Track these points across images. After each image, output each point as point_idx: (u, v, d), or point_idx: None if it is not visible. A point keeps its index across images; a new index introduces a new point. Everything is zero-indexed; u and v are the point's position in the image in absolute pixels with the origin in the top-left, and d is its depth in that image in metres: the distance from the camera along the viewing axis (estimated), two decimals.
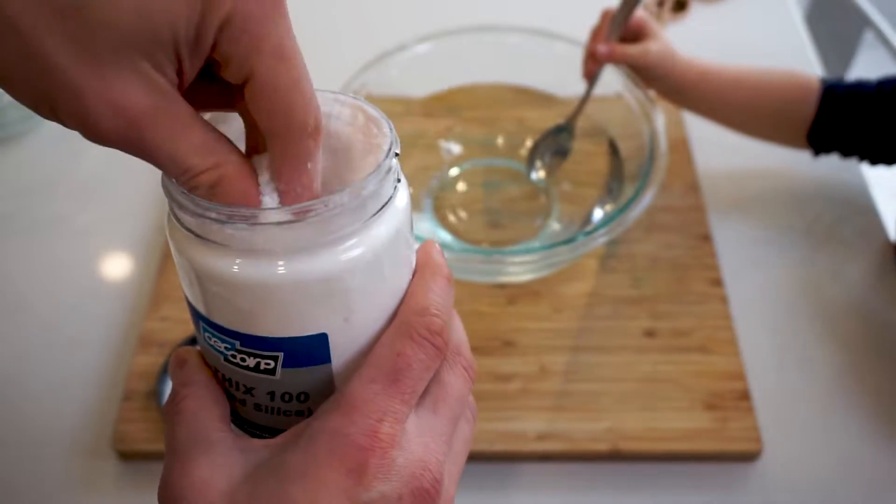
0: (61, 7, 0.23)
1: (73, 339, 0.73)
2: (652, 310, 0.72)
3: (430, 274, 0.32)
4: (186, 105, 0.26)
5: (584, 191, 0.79)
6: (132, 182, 0.87)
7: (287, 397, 0.31)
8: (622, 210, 0.66)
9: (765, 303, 0.74)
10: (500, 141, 0.84)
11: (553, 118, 0.79)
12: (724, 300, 0.73)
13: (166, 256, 0.77)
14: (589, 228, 0.69)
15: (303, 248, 0.28)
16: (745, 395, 0.66)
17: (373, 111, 0.31)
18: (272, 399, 0.31)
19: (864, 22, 1.21)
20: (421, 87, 0.83)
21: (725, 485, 0.63)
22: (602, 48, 0.73)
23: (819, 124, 0.75)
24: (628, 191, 0.71)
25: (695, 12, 1.07)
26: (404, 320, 0.30)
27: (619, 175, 0.76)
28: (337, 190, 0.27)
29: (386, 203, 0.29)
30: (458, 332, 0.33)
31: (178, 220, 0.28)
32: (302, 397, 0.31)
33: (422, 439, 0.29)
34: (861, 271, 0.76)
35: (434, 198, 0.79)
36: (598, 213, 0.74)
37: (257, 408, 0.32)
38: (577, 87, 0.77)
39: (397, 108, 0.82)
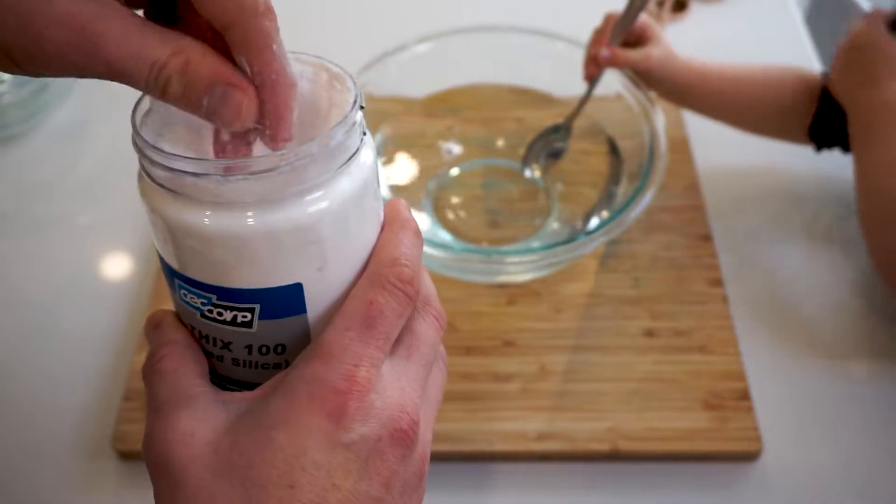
0: None
1: (73, 339, 0.73)
2: (652, 310, 0.72)
3: (399, 227, 0.33)
4: (131, 10, 0.26)
5: (584, 191, 0.79)
6: (132, 182, 0.86)
7: (264, 350, 0.32)
8: (622, 210, 0.66)
9: (765, 303, 0.74)
10: (499, 141, 0.84)
11: (553, 118, 0.79)
12: (723, 300, 0.73)
13: None
14: (589, 228, 0.69)
15: (272, 199, 0.28)
16: (745, 395, 0.66)
17: (335, 68, 0.32)
18: (249, 353, 0.32)
19: None
20: (421, 87, 0.83)
21: (725, 485, 0.63)
22: (605, 52, 0.73)
23: (820, 119, 0.76)
24: (628, 191, 0.71)
25: (695, 12, 1.07)
26: (375, 270, 0.31)
27: (618, 175, 0.76)
28: (305, 141, 0.28)
29: (352, 155, 0.30)
30: (427, 284, 0.34)
31: (149, 176, 0.29)
32: (279, 349, 0.32)
33: (398, 384, 0.30)
34: (861, 271, 0.76)
35: (434, 197, 0.79)
36: (597, 214, 0.74)
37: (235, 362, 0.32)
38: (576, 87, 0.77)
39: (397, 108, 0.82)
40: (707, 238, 0.78)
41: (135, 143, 0.29)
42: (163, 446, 0.30)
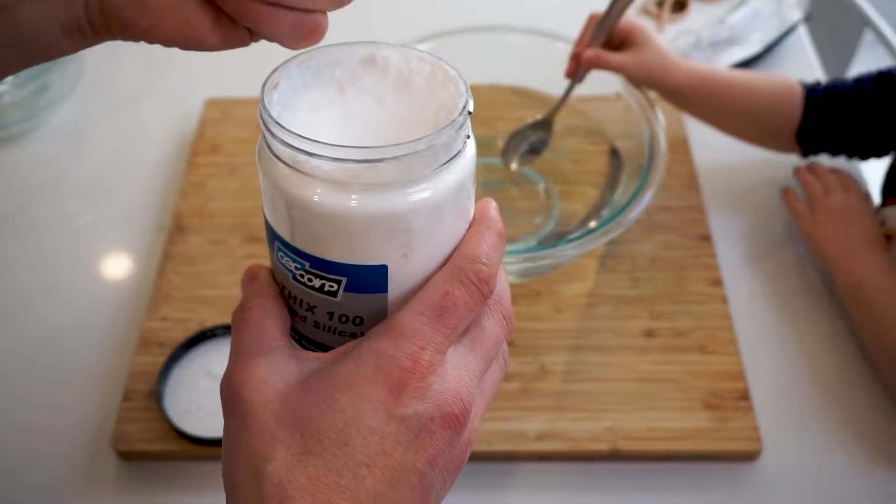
0: None
1: (73, 339, 0.73)
2: (652, 310, 0.72)
3: (485, 227, 0.35)
4: None
5: (584, 191, 0.79)
6: (132, 182, 0.87)
7: (344, 319, 0.34)
8: (622, 210, 0.66)
9: (765, 303, 0.74)
10: (499, 141, 0.84)
11: (553, 123, 0.79)
12: (723, 300, 0.73)
13: (166, 256, 0.77)
14: (589, 228, 0.69)
15: (377, 186, 0.31)
16: (744, 395, 0.66)
17: (451, 70, 0.34)
18: (330, 319, 0.35)
19: (864, 22, 1.21)
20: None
21: (725, 485, 0.63)
22: (589, 52, 0.74)
23: (806, 127, 0.77)
24: (628, 191, 0.71)
25: (694, 12, 1.07)
26: (456, 264, 0.34)
27: (618, 175, 0.76)
28: (414, 139, 0.30)
29: (455, 155, 0.32)
30: (502, 284, 0.36)
31: (269, 148, 0.31)
32: (357, 320, 0.34)
33: (457, 371, 0.32)
34: None
35: None
36: (597, 214, 0.74)
37: (316, 325, 0.35)
38: (576, 87, 0.77)
39: None
40: (707, 238, 0.78)
41: (261, 117, 0.31)
42: (239, 388, 0.33)
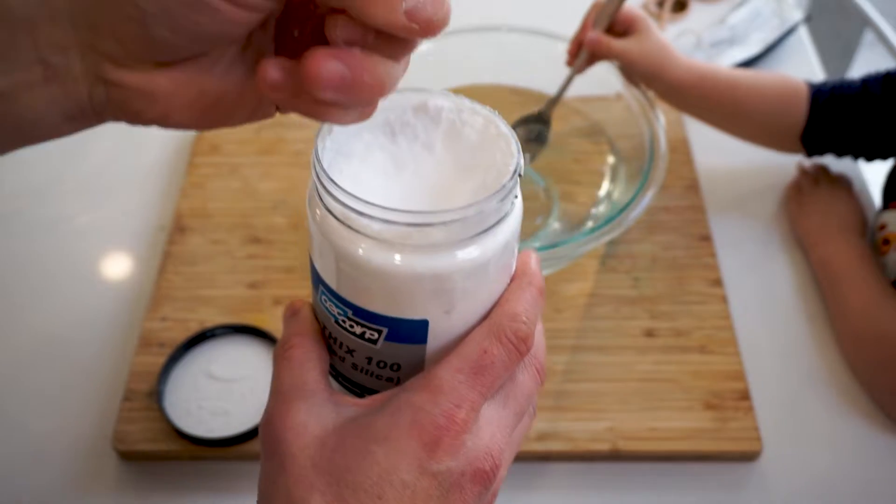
0: None
1: (74, 339, 0.73)
2: (652, 310, 0.72)
3: (527, 283, 0.35)
4: None
5: (584, 191, 0.79)
6: (132, 182, 0.87)
7: (382, 364, 0.35)
8: (622, 210, 0.66)
9: (765, 303, 0.74)
10: None
11: (552, 118, 0.79)
12: (723, 300, 0.73)
13: (166, 256, 0.77)
14: (589, 228, 0.69)
15: (424, 247, 0.31)
16: (745, 395, 0.66)
17: (504, 127, 0.33)
18: (368, 363, 0.35)
19: (864, 22, 1.21)
20: (421, 87, 0.83)
21: (725, 485, 0.63)
22: (591, 35, 0.73)
23: (811, 128, 0.76)
24: (628, 191, 0.71)
25: (695, 12, 1.07)
26: (496, 321, 0.34)
27: (618, 175, 0.76)
28: (464, 205, 0.30)
29: (501, 218, 0.32)
30: (539, 338, 0.36)
31: (320, 198, 0.32)
32: (394, 367, 0.35)
33: (489, 428, 0.33)
34: None
35: None
36: (597, 214, 0.74)
37: (354, 367, 0.36)
38: (576, 87, 0.77)
39: None
40: (707, 238, 0.78)
41: (314, 167, 0.31)
42: (279, 431, 0.33)
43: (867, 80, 0.75)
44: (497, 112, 0.33)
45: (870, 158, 0.78)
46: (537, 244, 0.74)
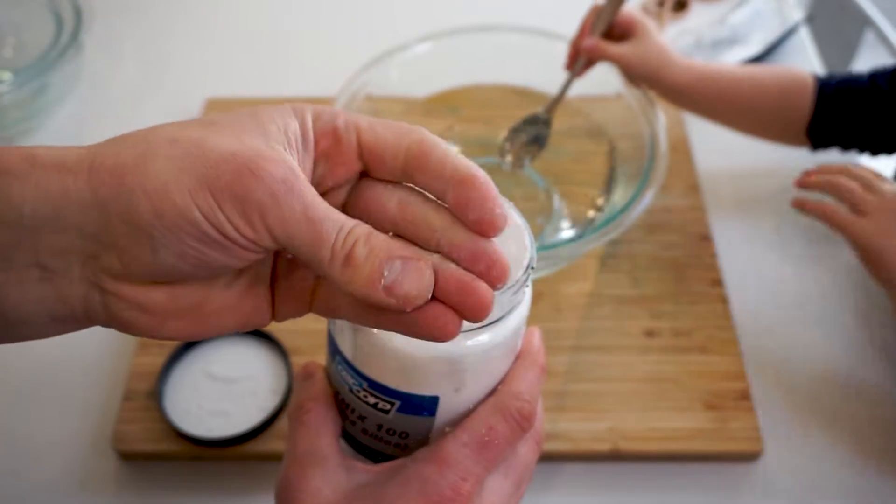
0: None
1: (73, 339, 0.72)
2: (652, 310, 0.72)
3: (531, 362, 0.38)
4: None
5: (584, 191, 0.79)
6: None
7: (391, 432, 0.37)
8: (622, 210, 0.66)
9: (765, 303, 0.74)
10: (499, 141, 0.84)
11: (552, 118, 0.79)
12: (724, 300, 0.73)
13: None
14: (589, 228, 0.69)
15: None
16: (745, 395, 0.66)
17: (518, 219, 0.35)
18: (378, 430, 0.38)
19: (865, 22, 1.21)
20: (421, 87, 0.83)
21: (725, 485, 0.63)
22: (587, 42, 0.74)
23: (817, 120, 0.76)
24: (628, 191, 0.71)
25: (695, 12, 1.07)
26: (501, 399, 0.36)
27: (618, 175, 0.76)
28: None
29: (512, 308, 0.35)
30: (539, 412, 0.38)
31: None
32: (403, 435, 0.37)
33: (491, 498, 0.35)
34: (860, 271, 0.76)
35: None
36: (597, 214, 0.74)
37: (364, 432, 0.38)
38: (576, 87, 0.77)
39: (397, 108, 0.82)
40: (707, 238, 0.78)
41: None
42: (294, 493, 0.35)
43: (875, 74, 0.75)
44: (513, 204, 0.35)
45: (875, 153, 0.78)
46: (537, 244, 0.74)
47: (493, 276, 0.29)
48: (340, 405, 0.38)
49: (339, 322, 0.35)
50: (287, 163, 0.27)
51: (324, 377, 0.39)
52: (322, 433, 0.37)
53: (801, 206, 0.71)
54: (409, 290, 0.28)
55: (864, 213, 0.66)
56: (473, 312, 0.29)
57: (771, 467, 0.64)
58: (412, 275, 0.28)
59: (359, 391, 0.37)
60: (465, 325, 0.31)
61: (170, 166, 0.26)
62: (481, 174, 0.30)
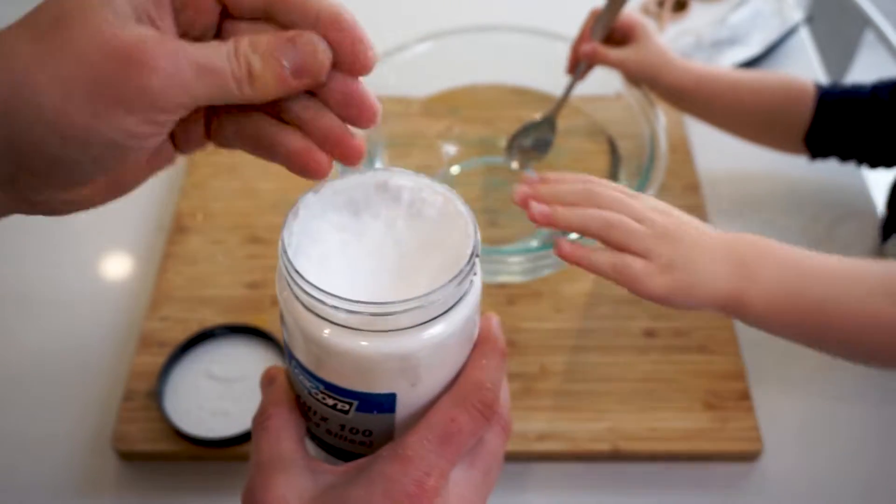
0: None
1: (73, 339, 0.73)
2: (652, 310, 0.72)
3: (489, 349, 0.37)
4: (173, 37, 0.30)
5: None
6: None
7: (354, 431, 0.37)
8: None
9: None
10: (499, 141, 0.84)
11: (557, 122, 0.79)
12: None
13: (166, 256, 0.77)
14: None
15: (388, 331, 0.33)
16: (745, 395, 0.66)
17: (462, 207, 0.35)
18: (342, 430, 0.37)
19: (865, 22, 1.21)
20: (421, 87, 0.83)
21: (725, 485, 0.63)
22: (586, 47, 0.74)
23: (815, 129, 0.75)
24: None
25: (695, 12, 1.07)
26: (461, 391, 0.35)
27: (618, 175, 0.76)
28: (423, 293, 0.32)
29: (461, 297, 0.34)
30: (504, 397, 0.38)
31: (290, 287, 0.34)
32: (366, 433, 0.37)
33: (458, 489, 0.35)
34: None
35: None
36: None
37: (328, 432, 0.38)
38: (576, 86, 0.77)
39: (397, 108, 0.82)
40: None
41: (281, 256, 0.33)
42: (261, 501, 0.35)
43: (877, 85, 0.74)
44: (455, 191, 0.36)
45: (874, 165, 0.77)
46: (537, 244, 0.74)
47: (365, 118, 0.32)
48: (302, 408, 0.38)
49: (290, 326, 0.35)
50: (155, 39, 0.29)
51: (285, 381, 0.39)
52: (284, 437, 0.37)
53: (566, 258, 0.53)
54: (312, 63, 0.30)
55: (641, 253, 0.50)
56: (348, 160, 0.32)
57: (770, 467, 0.64)
58: (306, 48, 0.30)
59: (317, 394, 0.36)
60: (413, 319, 0.32)
61: (57, 84, 0.28)
62: (348, 15, 0.31)
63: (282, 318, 0.36)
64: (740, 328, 0.71)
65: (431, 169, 0.81)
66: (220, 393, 0.65)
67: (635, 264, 0.48)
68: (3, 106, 0.28)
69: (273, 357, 0.67)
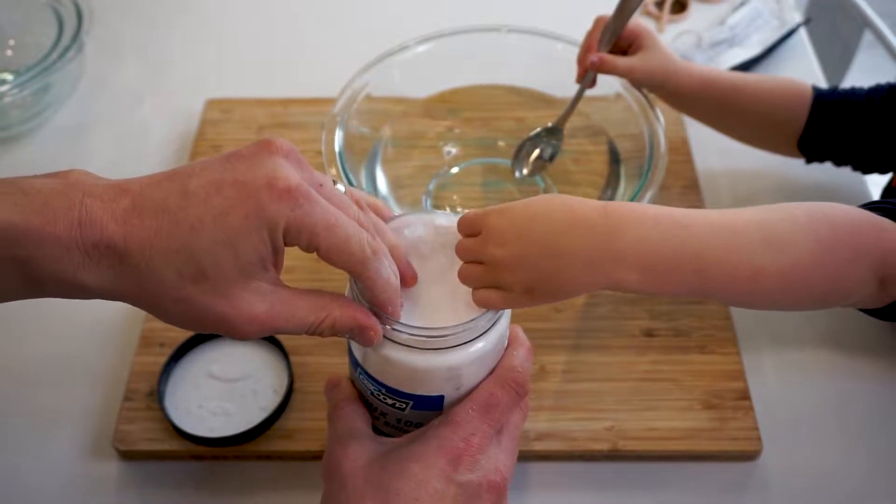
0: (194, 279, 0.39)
1: (74, 339, 0.73)
2: (651, 309, 0.72)
3: (520, 345, 0.49)
4: (288, 289, 0.40)
5: (584, 191, 0.79)
6: None
7: (408, 423, 0.48)
8: None
9: None
10: (499, 141, 0.84)
11: (552, 119, 0.79)
12: None
13: None
14: None
15: (436, 349, 0.44)
16: (744, 395, 0.66)
17: None
18: (398, 423, 0.48)
19: (864, 23, 1.21)
20: (421, 87, 0.83)
21: (725, 485, 0.63)
22: (593, 57, 0.73)
23: (809, 133, 0.75)
24: (628, 191, 0.72)
25: (695, 12, 1.07)
26: (500, 373, 0.47)
27: (618, 175, 0.76)
28: (471, 319, 0.44)
29: (496, 320, 0.46)
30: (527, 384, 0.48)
31: None
32: (418, 425, 0.48)
33: (495, 451, 0.45)
34: None
35: (434, 197, 0.79)
36: None
37: (386, 424, 0.49)
38: (575, 87, 0.77)
39: (397, 108, 0.82)
40: None
41: (356, 294, 0.44)
42: (338, 460, 0.45)
43: (873, 90, 0.74)
44: None
45: (867, 171, 0.77)
46: None
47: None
48: (366, 405, 0.49)
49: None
50: (263, 305, 0.39)
51: (349, 384, 0.50)
52: (355, 419, 0.47)
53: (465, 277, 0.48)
54: (364, 343, 0.44)
55: (496, 287, 0.46)
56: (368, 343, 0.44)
57: (770, 467, 0.64)
58: (364, 336, 0.43)
59: (378, 395, 0.46)
60: (459, 339, 0.43)
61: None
62: (396, 303, 0.43)
63: (354, 344, 0.46)
64: (740, 328, 0.72)
65: (432, 169, 0.82)
66: (220, 393, 0.65)
67: (495, 298, 0.46)
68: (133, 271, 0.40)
69: (273, 357, 0.67)
